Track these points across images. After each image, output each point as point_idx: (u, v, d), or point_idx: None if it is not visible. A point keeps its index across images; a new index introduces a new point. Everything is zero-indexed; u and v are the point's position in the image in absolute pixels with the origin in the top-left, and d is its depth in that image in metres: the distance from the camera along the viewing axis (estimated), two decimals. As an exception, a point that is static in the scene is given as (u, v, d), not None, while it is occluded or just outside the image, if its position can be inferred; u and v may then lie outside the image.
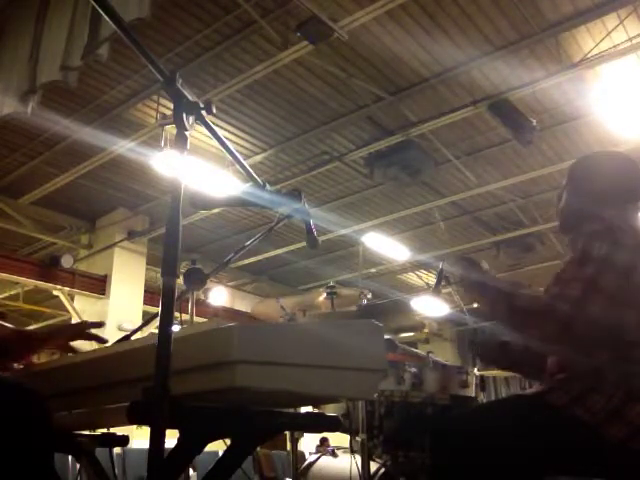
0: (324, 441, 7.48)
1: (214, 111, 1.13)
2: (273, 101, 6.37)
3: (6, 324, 1.42)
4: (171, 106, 1.07)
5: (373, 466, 2.61)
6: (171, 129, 6.11)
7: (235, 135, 6.86)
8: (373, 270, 10.17)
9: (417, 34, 5.40)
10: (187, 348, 0.99)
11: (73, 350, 1.46)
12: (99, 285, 8.54)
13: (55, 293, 8.39)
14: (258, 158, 7.21)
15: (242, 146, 7.00)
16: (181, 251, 0.99)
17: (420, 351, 3.25)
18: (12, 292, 9.67)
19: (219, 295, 9.92)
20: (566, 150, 7.02)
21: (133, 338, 1.43)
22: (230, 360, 0.94)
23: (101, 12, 1.04)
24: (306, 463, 3.13)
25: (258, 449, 5.97)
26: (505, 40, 5.47)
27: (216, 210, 7.97)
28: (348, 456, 2.78)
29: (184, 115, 1.07)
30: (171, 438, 0.98)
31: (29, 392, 1.11)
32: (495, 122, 6.20)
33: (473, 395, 2.82)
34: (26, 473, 1.04)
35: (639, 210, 1.74)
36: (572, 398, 1.50)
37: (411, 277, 11.47)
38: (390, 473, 2.63)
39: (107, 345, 1.41)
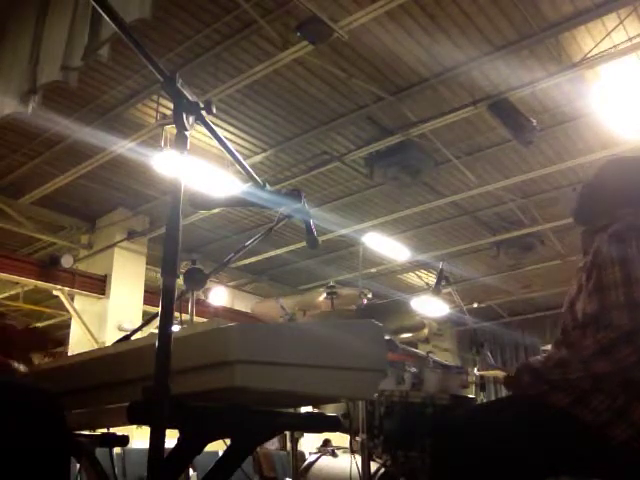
0: (326, 442, 7.45)
1: (214, 111, 1.13)
2: (273, 101, 6.36)
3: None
4: (171, 106, 1.07)
5: (373, 466, 2.61)
6: (171, 129, 6.11)
7: (235, 135, 6.85)
8: (373, 270, 10.16)
9: (417, 34, 5.39)
10: (187, 348, 0.99)
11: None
12: (99, 285, 8.53)
13: (55, 293, 8.37)
14: (258, 158, 7.21)
15: (242, 146, 7.00)
16: (181, 251, 0.99)
17: (420, 351, 3.25)
18: (12, 292, 9.67)
19: (219, 295, 9.92)
20: (566, 150, 7.02)
21: (133, 338, 1.43)
22: (230, 360, 0.94)
23: (101, 12, 1.04)
24: (306, 463, 3.13)
25: (258, 449, 5.97)
26: (505, 40, 5.47)
27: (216, 210, 7.97)
28: (348, 456, 2.78)
29: (184, 115, 1.07)
30: (171, 438, 0.98)
31: (46, 395, 1.11)
32: (495, 122, 6.19)
33: (473, 395, 2.82)
34: (43, 474, 1.04)
35: None
36: (575, 399, 1.49)
37: (411, 277, 11.47)
38: (390, 473, 2.63)
39: (107, 345, 1.41)
